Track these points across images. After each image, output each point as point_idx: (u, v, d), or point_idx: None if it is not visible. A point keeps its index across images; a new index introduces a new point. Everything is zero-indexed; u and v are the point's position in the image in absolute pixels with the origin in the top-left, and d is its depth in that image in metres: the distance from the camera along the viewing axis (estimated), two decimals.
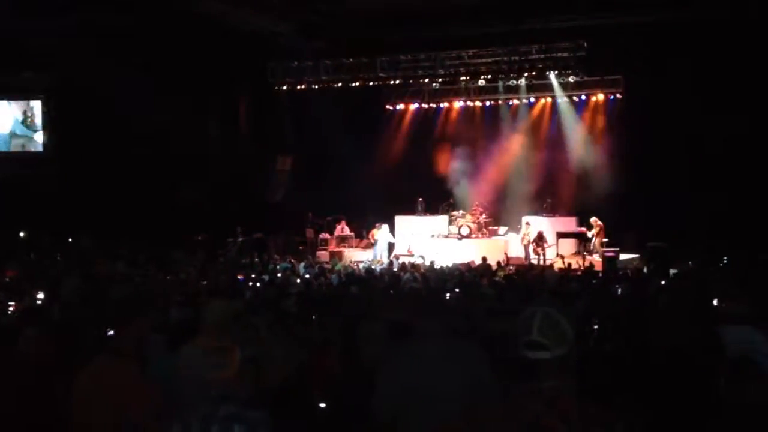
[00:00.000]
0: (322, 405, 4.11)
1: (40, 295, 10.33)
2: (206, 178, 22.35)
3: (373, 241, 21.62)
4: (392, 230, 22.13)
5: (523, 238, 20.64)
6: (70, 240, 21.10)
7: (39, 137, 24.62)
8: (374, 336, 4.51)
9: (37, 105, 24.56)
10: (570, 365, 2.56)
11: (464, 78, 22.46)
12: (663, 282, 12.86)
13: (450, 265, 17.49)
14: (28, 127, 24.67)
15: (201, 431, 2.94)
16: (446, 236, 22.04)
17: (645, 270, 16.21)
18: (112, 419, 3.70)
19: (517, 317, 2.69)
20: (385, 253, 21.23)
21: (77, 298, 9.24)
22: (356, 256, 21.30)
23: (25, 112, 24.69)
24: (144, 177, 21.56)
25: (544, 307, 2.65)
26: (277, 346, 3.87)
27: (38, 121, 24.57)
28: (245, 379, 3.23)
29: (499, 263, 17.72)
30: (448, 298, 9.07)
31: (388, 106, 25.13)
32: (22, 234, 21.64)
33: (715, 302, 8.53)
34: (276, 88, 23.30)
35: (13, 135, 24.69)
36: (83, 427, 3.85)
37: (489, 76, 22.03)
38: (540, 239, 20.06)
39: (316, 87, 22.93)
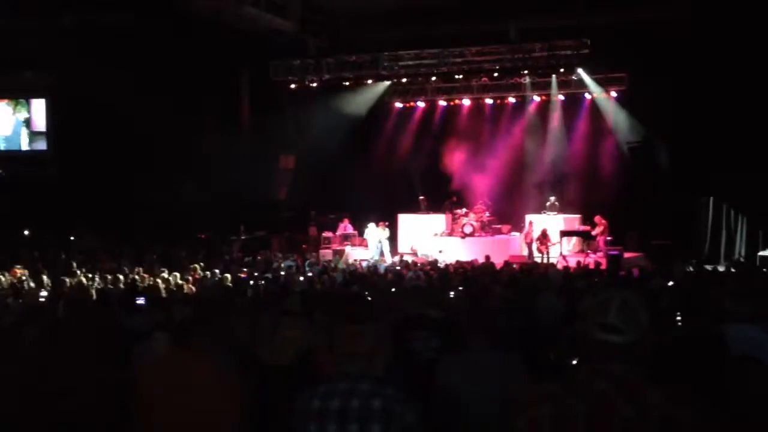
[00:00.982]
0: None
1: (44, 293, 10.37)
2: (209, 177, 22.36)
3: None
4: (394, 229, 22.17)
5: (526, 236, 20.64)
6: (73, 238, 21.14)
7: (42, 136, 24.68)
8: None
9: (39, 104, 24.61)
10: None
11: (467, 76, 22.42)
12: (666, 280, 12.84)
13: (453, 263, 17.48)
14: (31, 126, 24.72)
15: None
16: (449, 234, 22.05)
17: (649, 268, 16.19)
18: (196, 416, 3.66)
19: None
20: (377, 251, 21.22)
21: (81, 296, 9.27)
22: (359, 255, 21.30)
23: (27, 112, 24.76)
24: (147, 176, 21.58)
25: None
26: None
27: (41, 120, 24.62)
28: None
29: (506, 262, 17.73)
30: (452, 295, 9.06)
31: (391, 104, 25.11)
32: (26, 232, 21.67)
33: (719, 301, 8.51)
34: (278, 86, 23.28)
35: (16, 134, 24.76)
36: (164, 426, 3.79)
37: (494, 74, 22.02)
38: (544, 237, 20.05)
39: (319, 85, 22.92)
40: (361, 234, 22.79)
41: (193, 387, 3.62)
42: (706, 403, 2.53)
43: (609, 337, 2.57)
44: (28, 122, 24.68)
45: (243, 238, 21.86)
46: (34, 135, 24.73)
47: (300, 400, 3.18)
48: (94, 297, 9.76)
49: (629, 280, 12.72)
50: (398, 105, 25.11)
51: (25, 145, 24.86)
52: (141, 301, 8.78)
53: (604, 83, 21.92)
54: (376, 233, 21.56)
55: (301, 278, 14.21)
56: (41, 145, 24.73)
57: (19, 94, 24.66)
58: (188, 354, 3.83)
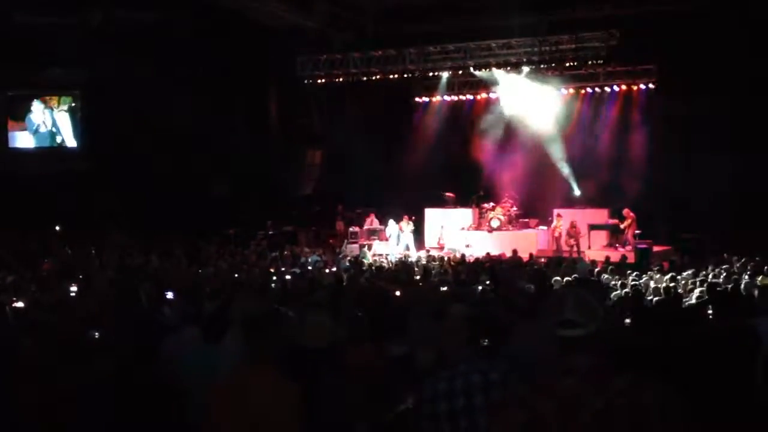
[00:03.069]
0: None
1: (74, 288, 10.49)
2: (237, 173, 22.51)
3: (401, 233, 21.69)
4: (421, 223, 22.20)
5: (554, 230, 20.51)
6: (103, 234, 21.40)
7: (72, 133, 25.02)
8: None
9: (69, 101, 24.95)
10: (602, 342, 2.69)
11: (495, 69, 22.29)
12: (696, 274, 12.72)
13: (480, 258, 17.47)
14: (61, 123, 25.07)
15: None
16: (476, 228, 22.00)
17: (679, 262, 16.05)
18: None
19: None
20: (401, 246, 21.25)
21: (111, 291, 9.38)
22: (383, 249, 21.30)
23: (58, 109, 25.11)
24: (175, 172, 21.77)
25: (576, 289, 2.83)
26: None
27: (71, 117, 24.97)
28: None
29: (531, 255, 17.68)
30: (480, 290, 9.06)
31: (417, 99, 25.06)
32: (57, 228, 21.97)
33: (749, 295, 8.41)
34: (305, 81, 23.33)
35: (47, 131, 25.13)
36: None
37: (523, 68, 21.84)
38: (573, 229, 19.93)
39: (345, 80, 22.93)
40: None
41: (257, 405, 3.65)
42: (668, 387, 2.57)
43: (569, 332, 2.66)
44: (59, 119, 25.03)
45: (270, 233, 21.96)
46: (65, 131, 25.08)
47: (427, 385, 3.65)
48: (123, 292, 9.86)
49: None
50: (424, 99, 25.05)
51: (56, 142, 25.23)
52: (170, 295, 8.86)
53: (634, 76, 21.72)
54: (396, 228, 21.58)
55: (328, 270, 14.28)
56: (72, 141, 25.09)
57: (49, 92, 25.01)
58: (247, 373, 3.82)
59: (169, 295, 8.87)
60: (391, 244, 21.52)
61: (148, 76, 20.00)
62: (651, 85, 21.64)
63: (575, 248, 19.65)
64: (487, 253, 17.74)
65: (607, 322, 2.75)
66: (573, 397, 2.56)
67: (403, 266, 15.69)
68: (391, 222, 21.81)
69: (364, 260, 17.73)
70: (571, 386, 2.58)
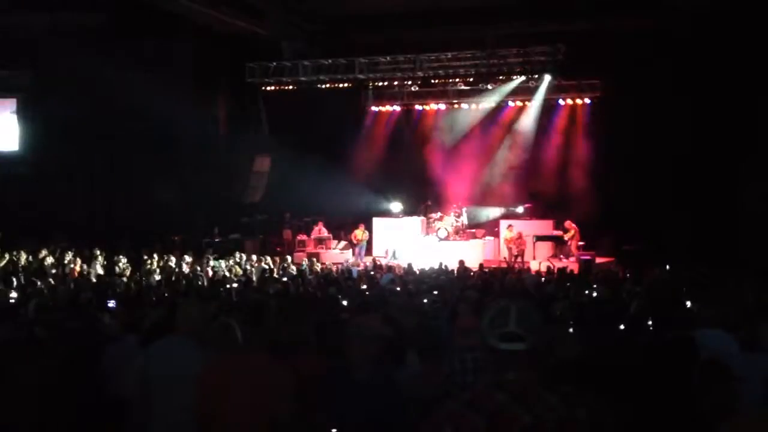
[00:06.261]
0: None
1: (14, 294, 10.23)
2: (183, 179, 22.18)
3: (355, 242, 21.67)
4: (370, 232, 22.21)
5: (508, 242, 20.64)
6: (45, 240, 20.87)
7: (13, 137, 24.30)
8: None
9: (11, 104, 24.24)
10: (537, 357, 2.63)
11: (443, 80, 22.49)
12: (638, 285, 12.96)
13: (427, 268, 17.54)
14: (3, 126, 24.36)
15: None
16: (425, 237, 22.12)
17: (620, 273, 16.34)
18: (254, 412, 3.88)
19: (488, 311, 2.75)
20: (364, 254, 21.34)
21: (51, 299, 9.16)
22: (334, 258, 21.25)
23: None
24: (120, 177, 21.37)
25: (518, 300, 2.73)
26: None
27: (12, 120, 24.27)
28: None
29: (481, 265, 17.84)
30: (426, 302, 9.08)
31: (367, 108, 25.13)
32: None
33: (689, 305, 8.62)
34: (254, 88, 23.19)
35: None
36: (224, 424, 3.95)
37: (469, 79, 22.14)
38: (518, 239, 20.19)
39: (295, 88, 22.85)
40: (336, 237, 22.75)
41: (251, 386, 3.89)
42: (602, 403, 2.57)
43: (511, 345, 2.61)
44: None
45: (217, 240, 21.71)
46: (7, 135, 24.37)
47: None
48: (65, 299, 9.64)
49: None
50: (374, 109, 25.13)
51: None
52: (112, 303, 8.70)
53: (578, 89, 22.17)
54: (365, 236, 21.68)
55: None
56: (14, 145, 24.35)
57: None
58: (242, 356, 4.12)
59: (111, 303, 8.71)
60: (360, 249, 21.52)
61: (92, 79, 19.61)
62: (595, 99, 22.11)
63: (519, 259, 19.91)
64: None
65: (549, 335, 2.71)
66: (504, 413, 2.52)
67: (349, 275, 15.66)
68: (362, 227, 21.85)
69: (312, 269, 17.65)
70: (503, 401, 2.53)
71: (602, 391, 2.70)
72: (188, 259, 17.67)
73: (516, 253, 20.07)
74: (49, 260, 16.61)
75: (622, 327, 6.78)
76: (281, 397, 3.83)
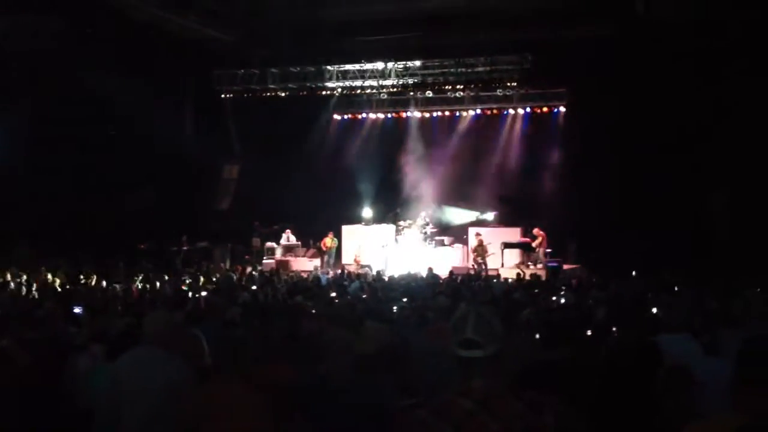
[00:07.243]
0: None
1: None
2: (151, 186, 21.96)
3: (325, 249, 21.62)
4: (339, 239, 22.19)
5: (472, 249, 20.72)
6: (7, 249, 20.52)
7: None
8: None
9: None
10: (500, 364, 2.62)
11: (412, 89, 22.61)
12: (603, 291, 13.09)
13: (396, 275, 17.54)
14: None
15: (441, 366, 3.98)
16: (394, 244, 22.13)
17: (587, 280, 16.49)
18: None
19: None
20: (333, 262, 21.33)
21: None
22: (303, 265, 21.18)
23: None
24: (87, 184, 21.08)
25: (476, 307, 2.71)
26: None
27: None
28: None
29: (451, 272, 17.88)
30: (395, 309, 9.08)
31: (335, 116, 25.14)
32: None
33: (653, 311, 8.72)
34: (222, 96, 23.08)
35: None
36: None
37: (436, 87, 22.29)
38: (480, 247, 20.22)
39: (263, 95, 22.78)
40: (305, 245, 22.69)
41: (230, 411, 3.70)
42: (569, 409, 2.57)
43: (470, 353, 2.60)
44: None
45: (185, 248, 21.52)
46: None
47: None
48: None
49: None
50: (342, 117, 25.14)
51: None
52: (78, 310, 8.57)
53: (546, 98, 22.41)
54: (335, 244, 21.68)
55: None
56: None
57: None
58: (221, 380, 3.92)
59: (77, 310, 8.59)
60: (330, 257, 21.51)
61: (54, 85, 19.34)
62: (562, 108, 22.37)
63: (483, 266, 19.95)
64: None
65: (515, 342, 2.70)
66: (471, 421, 2.51)
67: (318, 283, 15.61)
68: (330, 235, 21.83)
69: (280, 277, 17.56)
70: (470, 409, 2.52)
71: (567, 396, 2.71)
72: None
73: (480, 261, 20.14)
74: (12, 270, 16.35)
75: (588, 333, 6.84)
76: (261, 416, 3.75)
